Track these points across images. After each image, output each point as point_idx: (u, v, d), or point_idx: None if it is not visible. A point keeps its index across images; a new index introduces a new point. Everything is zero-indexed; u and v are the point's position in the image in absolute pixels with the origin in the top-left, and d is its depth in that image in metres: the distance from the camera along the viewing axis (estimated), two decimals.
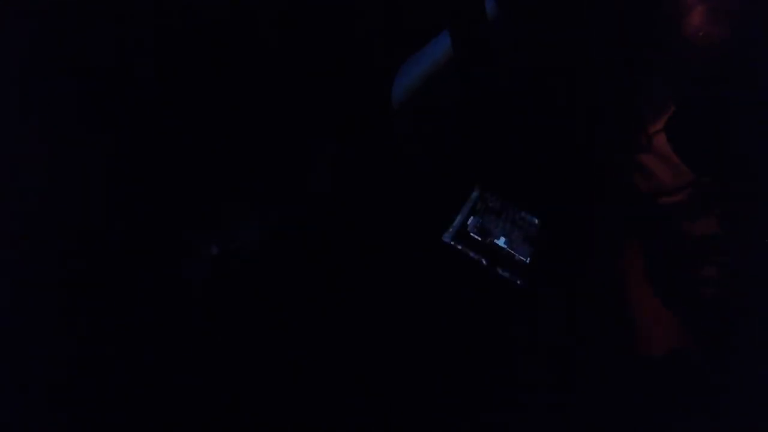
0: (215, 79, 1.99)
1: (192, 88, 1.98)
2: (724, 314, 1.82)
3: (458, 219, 1.84)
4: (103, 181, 1.96)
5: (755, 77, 1.72)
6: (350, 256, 2.06)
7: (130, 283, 1.97)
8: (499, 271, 1.78)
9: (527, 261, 1.85)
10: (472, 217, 1.81)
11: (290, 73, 2.04)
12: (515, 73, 2.06)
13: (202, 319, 2.00)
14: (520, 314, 2.07)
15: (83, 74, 1.91)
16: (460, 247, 1.79)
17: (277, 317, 2.03)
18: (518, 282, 1.80)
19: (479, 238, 1.81)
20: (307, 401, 1.99)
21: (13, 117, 1.90)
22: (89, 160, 1.95)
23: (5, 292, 1.92)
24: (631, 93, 1.93)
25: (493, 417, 1.93)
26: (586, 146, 2.01)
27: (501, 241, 1.85)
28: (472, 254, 1.81)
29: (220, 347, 2.00)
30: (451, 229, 1.80)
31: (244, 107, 2.01)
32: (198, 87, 1.99)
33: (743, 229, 1.78)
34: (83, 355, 1.96)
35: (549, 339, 2.02)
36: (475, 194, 1.83)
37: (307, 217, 2.05)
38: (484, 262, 1.78)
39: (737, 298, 1.80)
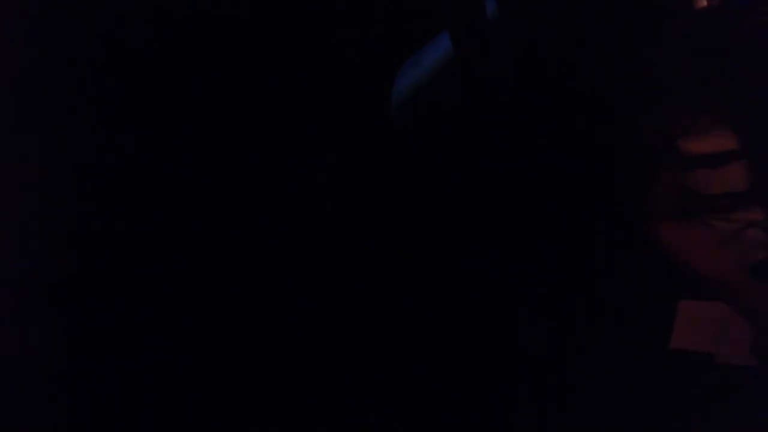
0: (215, 78, 2.00)
1: (192, 87, 1.99)
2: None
3: None
4: (103, 181, 1.96)
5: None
6: (350, 255, 2.07)
7: (130, 283, 1.98)
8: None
9: None
10: None
11: (289, 73, 2.05)
12: (515, 73, 2.06)
13: (202, 319, 2.00)
14: (521, 314, 2.07)
15: (83, 73, 1.92)
16: None
17: (276, 317, 2.03)
18: None
19: None
20: (307, 401, 1.99)
21: (13, 117, 1.91)
22: (89, 160, 1.96)
23: (5, 292, 1.92)
24: (633, 91, 1.93)
25: (492, 417, 1.93)
26: (587, 145, 2.01)
27: None
28: None
29: (220, 347, 2.01)
30: None
31: (243, 107, 2.02)
32: (198, 86, 1.99)
33: None
34: (83, 355, 1.97)
35: (550, 339, 2.02)
36: None
37: (307, 216, 2.06)
38: None
39: None
